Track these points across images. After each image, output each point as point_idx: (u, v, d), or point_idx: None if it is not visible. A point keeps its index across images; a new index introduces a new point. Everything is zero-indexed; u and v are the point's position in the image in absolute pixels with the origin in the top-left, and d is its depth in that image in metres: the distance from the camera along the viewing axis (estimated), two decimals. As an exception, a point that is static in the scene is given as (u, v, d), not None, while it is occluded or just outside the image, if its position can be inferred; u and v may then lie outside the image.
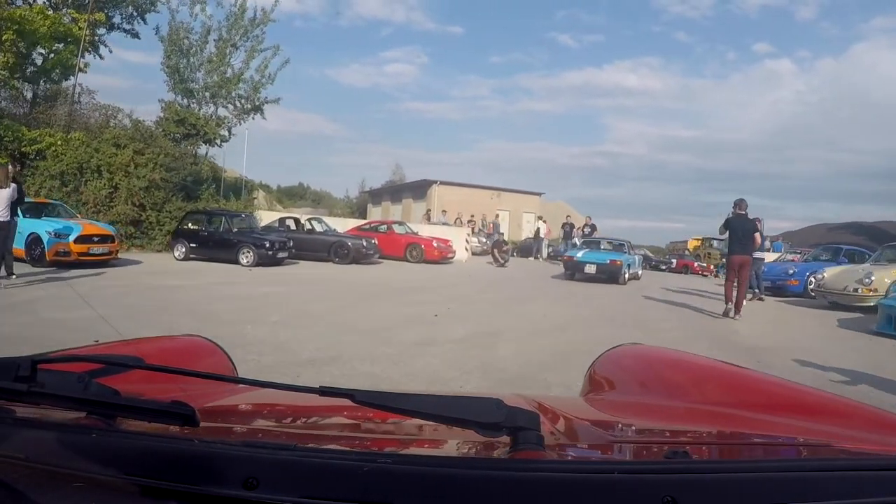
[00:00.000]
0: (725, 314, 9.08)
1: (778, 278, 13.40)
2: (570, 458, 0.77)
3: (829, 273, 11.37)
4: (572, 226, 23.24)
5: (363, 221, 19.82)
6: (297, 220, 17.08)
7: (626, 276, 15.57)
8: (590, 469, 0.64)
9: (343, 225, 19.22)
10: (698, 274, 25.71)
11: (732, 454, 0.88)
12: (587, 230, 21.49)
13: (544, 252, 24.07)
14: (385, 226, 19.16)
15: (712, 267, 25.54)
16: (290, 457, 0.60)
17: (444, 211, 25.15)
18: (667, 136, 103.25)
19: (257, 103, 21.04)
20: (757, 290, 11.68)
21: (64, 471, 0.62)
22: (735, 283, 9.21)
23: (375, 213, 38.87)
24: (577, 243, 19.64)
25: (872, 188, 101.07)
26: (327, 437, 0.89)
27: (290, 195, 48.74)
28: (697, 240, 37.28)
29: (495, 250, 17.72)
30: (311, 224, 16.97)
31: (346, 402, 0.66)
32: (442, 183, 34.68)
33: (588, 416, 1.16)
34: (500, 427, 0.64)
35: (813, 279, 12.15)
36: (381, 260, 16.31)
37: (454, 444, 0.75)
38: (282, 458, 0.60)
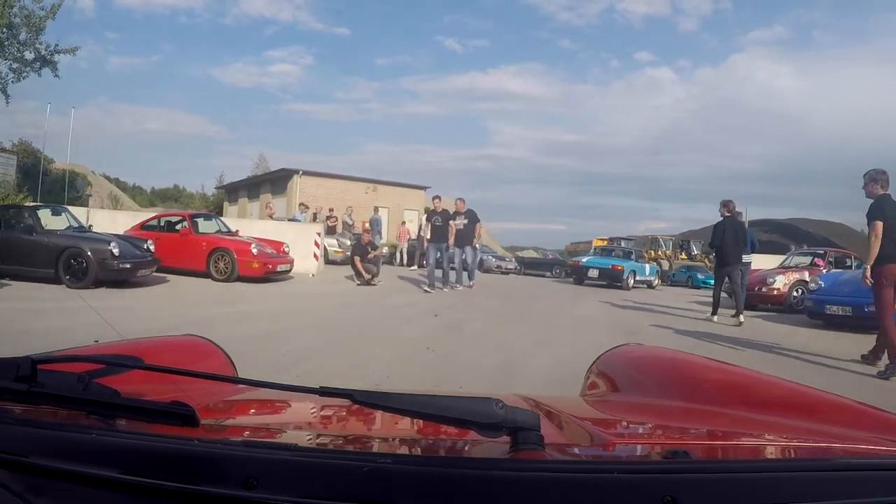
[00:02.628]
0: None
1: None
2: (570, 458, 0.78)
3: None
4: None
5: (152, 215, 12.92)
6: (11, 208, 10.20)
7: (631, 282, 15.54)
8: (590, 469, 0.65)
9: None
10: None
11: (732, 454, 0.89)
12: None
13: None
14: (181, 221, 11.60)
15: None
16: (290, 457, 0.61)
17: (301, 204, 19.68)
18: (550, 141, 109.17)
19: (43, 52, 15.81)
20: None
21: (64, 471, 0.62)
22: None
23: (232, 212, 33.39)
24: (477, 246, 18.75)
25: (747, 190, 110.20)
26: (327, 437, 0.89)
27: (165, 197, 46.34)
28: (602, 240, 35.23)
29: (357, 259, 11.53)
30: (33, 218, 9.01)
31: (346, 402, 0.66)
32: (305, 173, 29.00)
33: (588, 416, 1.15)
34: (500, 427, 0.64)
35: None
36: (165, 275, 10.16)
37: (454, 444, 0.76)
38: (282, 458, 0.60)
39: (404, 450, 0.79)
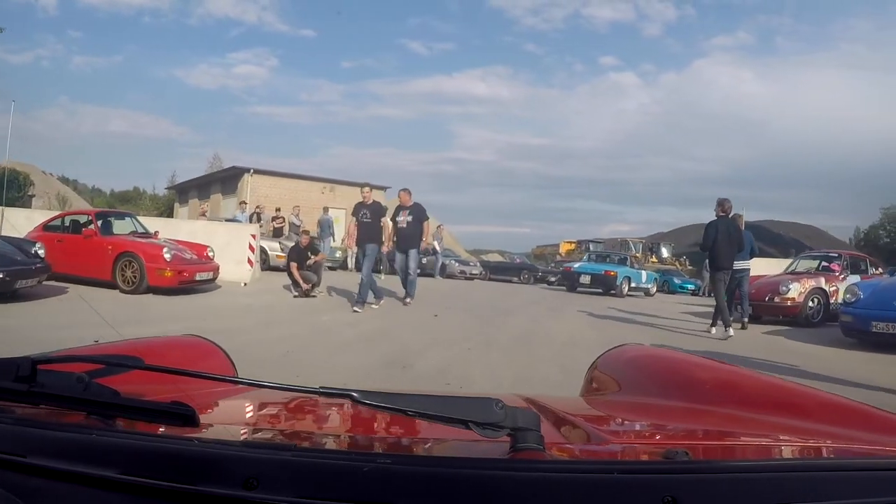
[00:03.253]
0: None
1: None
2: (569, 458, 0.78)
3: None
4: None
5: (55, 214, 10.86)
6: None
7: (626, 289, 14.84)
8: (590, 469, 0.65)
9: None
10: None
11: (732, 454, 0.89)
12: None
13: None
14: (86, 219, 9.68)
15: None
16: (290, 457, 0.61)
17: (241, 202, 18.56)
18: (515, 144, 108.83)
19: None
20: (740, 311, 8.81)
21: (64, 471, 0.61)
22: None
23: (182, 213, 31.48)
24: (438, 249, 17.75)
25: (710, 193, 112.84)
26: (327, 437, 0.90)
27: (125, 199, 44.34)
28: (571, 243, 33.74)
29: (294, 265, 9.74)
30: None
31: (346, 402, 0.67)
32: (257, 172, 27.09)
33: (588, 416, 1.16)
34: (500, 427, 0.64)
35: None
36: (66, 285, 8.26)
37: (454, 444, 0.76)
38: (282, 458, 0.61)
39: (404, 450, 0.80)
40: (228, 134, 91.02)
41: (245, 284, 10.87)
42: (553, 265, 25.31)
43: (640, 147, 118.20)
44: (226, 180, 29.25)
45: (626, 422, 1.14)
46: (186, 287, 9.08)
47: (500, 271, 23.35)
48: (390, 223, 9.08)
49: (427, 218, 9.50)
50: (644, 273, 17.18)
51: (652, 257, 28.95)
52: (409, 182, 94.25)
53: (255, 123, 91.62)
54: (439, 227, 19.57)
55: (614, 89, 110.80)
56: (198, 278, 9.27)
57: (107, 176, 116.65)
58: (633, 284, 15.79)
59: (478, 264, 23.09)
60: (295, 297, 9.65)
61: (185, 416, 0.66)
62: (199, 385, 1.09)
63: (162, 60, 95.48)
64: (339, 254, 17.19)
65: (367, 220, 8.76)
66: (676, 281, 23.28)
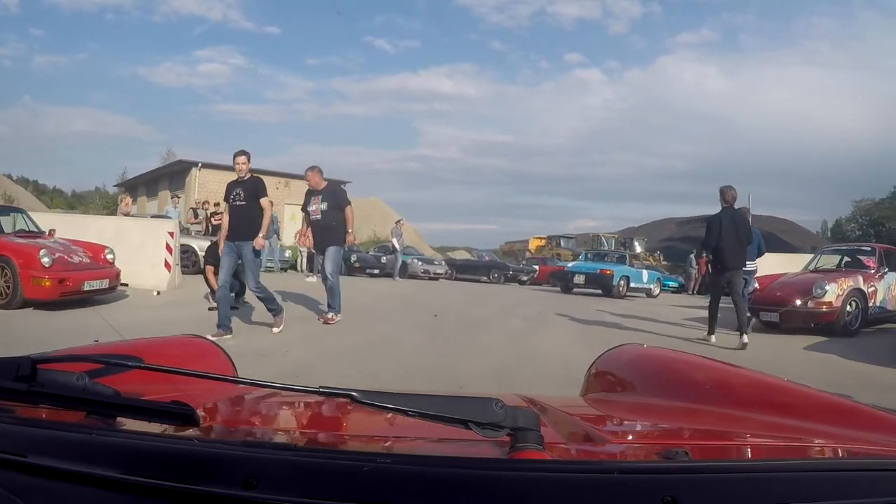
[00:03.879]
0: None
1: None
2: (569, 458, 0.78)
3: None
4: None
5: None
6: None
7: (623, 288, 13.83)
8: (590, 469, 0.65)
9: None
10: None
11: (732, 454, 0.89)
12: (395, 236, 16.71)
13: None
14: None
15: None
16: (290, 457, 0.61)
17: (174, 196, 16.87)
18: (480, 141, 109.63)
19: None
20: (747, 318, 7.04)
21: (64, 470, 0.61)
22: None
23: (132, 211, 29.43)
24: (397, 247, 16.69)
25: (676, 188, 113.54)
26: (327, 437, 0.90)
27: (86, 200, 43.45)
28: (540, 239, 32.06)
29: (210, 269, 7.64)
30: None
31: (346, 402, 0.66)
32: (205, 166, 24.69)
33: (588, 416, 1.16)
34: (500, 427, 0.65)
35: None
36: None
37: (454, 444, 0.76)
38: (282, 458, 0.61)
39: (404, 450, 0.80)
40: (193, 133, 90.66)
41: (158, 293, 8.99)
42: (524, 263, 23.78)
43: (605, 143, 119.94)
44: (174, 176, 27.45)
45: (626, 422, 1.15)
46: (74, 298, 7.11)
47: (467, 270, 21.70)
48: (269, 205, 6.46)
49: (348, 203, 7.23)
50: (645, 272, 15.77)
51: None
52: (375, 180, 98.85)
53: (220, 122, 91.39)
54: (399, 222, 18.10)
55: (579, 86, 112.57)
56: (86, 288, 7.23)
57: (70, 176, 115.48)
58: (632, 284, 14.67)
59: (443, 263, 21.16)
60: (210, 309, 7.13)
61: (185, 415, 0.66)
62: (199, 385, 1.08)
63: (126, 59, 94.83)
64: (288, 253, 16.02)
65: (240, 202, 6.24)
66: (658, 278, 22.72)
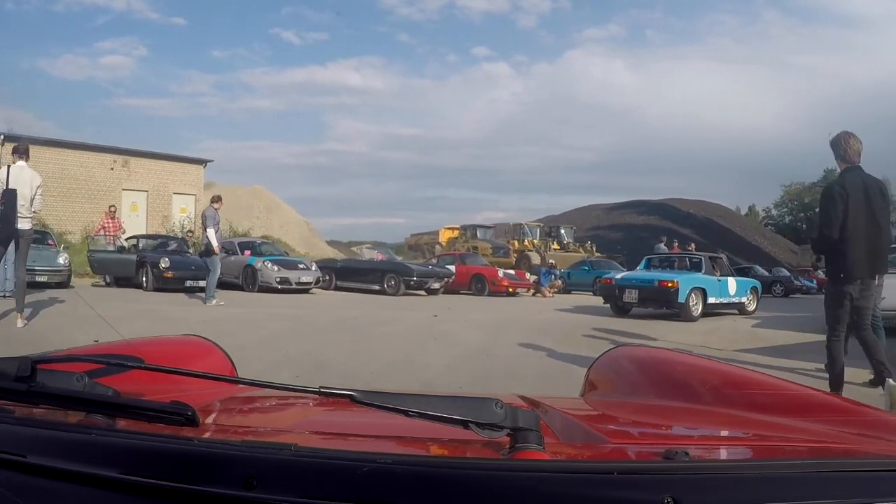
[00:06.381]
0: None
1: None
2: (569, 458, 0.78)
3: None
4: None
5: None
6: None
7: (697, 305, 9.96)
8: (590, 469, 0.65)
9: None
10: (505, 292, 15.02)
11: (732, 454, 0.89)
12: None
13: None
14: None
15: (531, 278, 16.37)
16: (290, 457, 0.61)
17: None
18: (389, 134, 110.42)
19: None
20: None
21: (64, 471, 0.62)
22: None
23: None
24: (213, 243, 9.74)
25: (583, 179, 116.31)
26: (327, 437, 0.90)
27: None
28: (453, 230, 27.58)
29: None
30: None
31: (346, 402, 0.67)
32: (8, 139, 17.51)
33: (588, 416, 1.16)
34: (500, 427, 0.65)
35: None
36: None
37: (454, 444, 0.76)
38: (282, 458, 0.60)
39: (404, 450, 0.80)
40: (95, 128, 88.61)
41: None
42: (436, 261, 17.45)
43: (513, 136, 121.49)
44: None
45: (625, 422, 1.15)
46: None
47: (352, 275, 15.25)
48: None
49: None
50: (732, 280, 11.19)
51: (553, 243, 24.41)
52: (283, 175, 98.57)
53: (124, 116, 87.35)
54: (215, 200, 10.25)
55: (487, 79, 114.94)
56: None
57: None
58: (711, 299, 10.38)
59: (313, 267, 14.56)
60: None
61: (184, 415, 0.67)
62: (199, 385, 1.09)
63: (25, 50, 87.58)
64: (62, 260, 11.56)
65: None
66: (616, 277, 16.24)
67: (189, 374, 0.87)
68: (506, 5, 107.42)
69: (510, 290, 15.71)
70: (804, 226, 54.28)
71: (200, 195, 22.49)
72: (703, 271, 10.83)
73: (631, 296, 10.35)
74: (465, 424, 0.65)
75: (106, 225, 14.64)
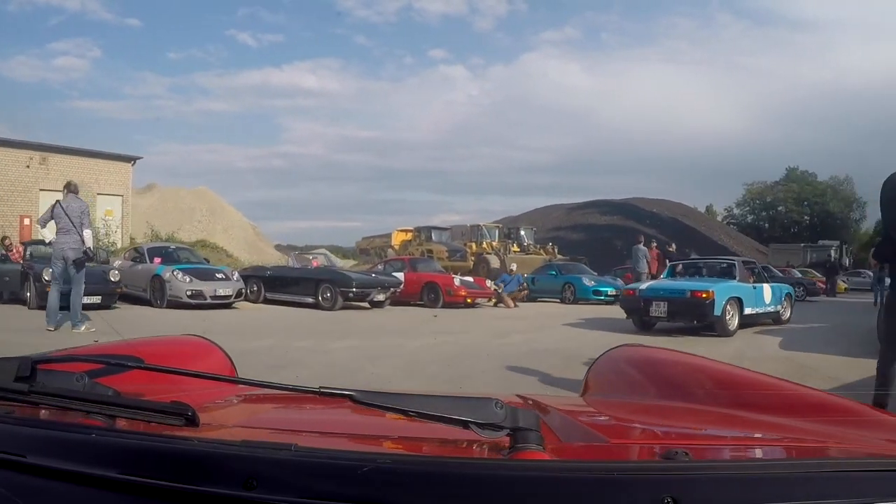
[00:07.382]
0: None
1: None
2: (569, 458, 0.78)
3: None
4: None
5: None
6: None
7: (734, 318, 8.57)
8: (590, 469, 0.64)
9: None
10: (463, 303, 13.09)
11: (732, 454, 0.89)
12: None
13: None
14: None
15: (492, 286, 14.73)
16: (290, 457, 0.61)
17: None
18: (345, 137, 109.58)
19: None
20: None
21: (64, 471, 0.62)
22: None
23: None
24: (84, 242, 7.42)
25: (540, 181, 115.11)
26: (327, 437, 0.90)
27: None
28: (406, 231, 25.60)
29: None
30: None
31: (346, 402, 0.67)
32: None
33: (588, 416, 1.16)
34: (499, 427, 0.65)
35: None
36: None
37: (454, 444, 0.76)
38: (281, 458, 0.61)
39: (404, 450, 0.80)
40: (49, 132, 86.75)
41: None
42: (381, 267, 15.37)
43: (469, 138, 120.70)
44: None
45: (625, 422, 1.14)
46: None
47: (283, 286, 13.00)
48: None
49: None
50: (767, 287, 9.78)
51: (513, 245, 22.97)
52: (237, 179, 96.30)
53: (77, 119, 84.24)
54: (69, 185, 7.76)
55: (443, 81, 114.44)
56: None
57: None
58: (747, 310, 8.97)
59: (235, 276, 12.36)
60: None
61: (184, 416, 0.67)
62: (199, 385, 1.09)
63: None
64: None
65: None
66: (587, 283, 15.25)
67: (189, 374, 0.87)
68: (463, 8, 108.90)
69: (468, 300, 13.50)
70: (767, 224, 54.64)
71: (129, 196, 21.02)
72: (737, 278, 9.29)
73: (659, 309, 8.87)
74: (465, 424, 0.65)
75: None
